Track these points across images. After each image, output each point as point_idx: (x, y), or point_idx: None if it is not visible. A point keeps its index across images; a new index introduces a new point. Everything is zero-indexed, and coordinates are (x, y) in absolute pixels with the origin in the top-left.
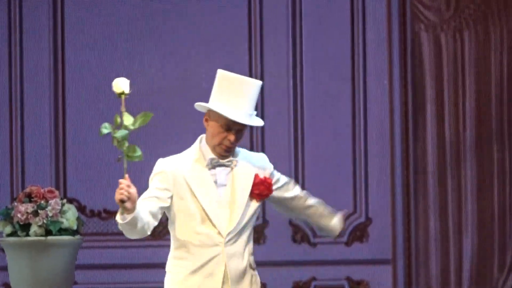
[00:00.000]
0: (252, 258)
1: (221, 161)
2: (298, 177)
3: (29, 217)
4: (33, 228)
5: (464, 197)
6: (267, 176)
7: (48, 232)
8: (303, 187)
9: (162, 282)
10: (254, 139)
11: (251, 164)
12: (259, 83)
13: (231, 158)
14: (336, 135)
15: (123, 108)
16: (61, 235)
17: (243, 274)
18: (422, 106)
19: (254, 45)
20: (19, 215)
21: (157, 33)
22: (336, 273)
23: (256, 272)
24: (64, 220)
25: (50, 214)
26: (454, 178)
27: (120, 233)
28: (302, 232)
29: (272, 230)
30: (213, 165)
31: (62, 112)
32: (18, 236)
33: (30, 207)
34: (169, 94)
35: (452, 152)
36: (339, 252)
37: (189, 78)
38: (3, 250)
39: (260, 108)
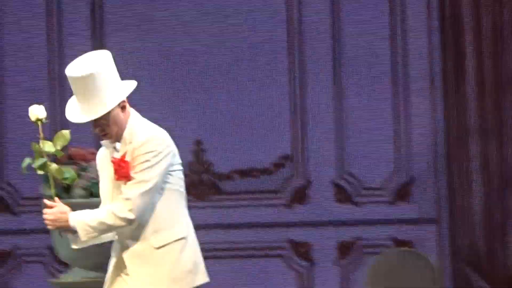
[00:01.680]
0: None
1: (109, 144)
2: (341, 137)
3: None
4: (76, 190)
5: (506, 155)
6: (131, 157)
7: (91, 194)
8: (345, 148)
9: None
10: (293, 97)
11: (126, 144)
12: (83, 73)
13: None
14: (377, 94)
15: (40, 135)
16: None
17: None
18: (462, 68)
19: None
20: None
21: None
22: (381, 232)
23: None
24: None
25: (92, 176)
26: (496, 137)
27: None
28: (345, 191)
29: (314, 190)
30: (110, 148)
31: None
32: (61, 198)
33: (72, 169)
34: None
35: (494, 111)
36: (383, 211)
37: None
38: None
39: (299, 68)
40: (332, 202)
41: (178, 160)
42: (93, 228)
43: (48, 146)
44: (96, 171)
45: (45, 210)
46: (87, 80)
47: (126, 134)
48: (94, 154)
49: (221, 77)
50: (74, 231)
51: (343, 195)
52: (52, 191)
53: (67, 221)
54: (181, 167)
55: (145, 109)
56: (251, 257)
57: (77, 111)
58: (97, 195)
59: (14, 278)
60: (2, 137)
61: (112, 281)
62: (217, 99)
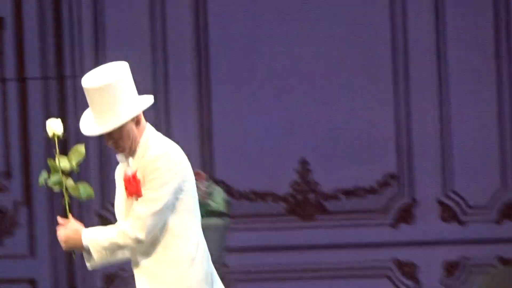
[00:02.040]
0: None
1: (123, 158)
2: (446, 154)
3: None
4: None
5: None
6: (142, 174)
7: None
8: (450, 166)
9: (311, 264)
10: (398, 115)
11: (139, 160)
12: (99, 85)
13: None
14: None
15: (57, 150)
16: (209, 217)
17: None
18: None
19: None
20: None
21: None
22: (487, 252)
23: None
24: (211, 202)
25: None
26: None
27: (270, 215)
28: (451, 210)
29: (420, 209)
30: (124, 162)
31: (207, 93)
32: None
33: None
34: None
35: None
36: (489, 230)
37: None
38: None
39: (404, 64)
40: (437, 221)
41: (190, 176)
42: (105, 248)
43: (63, 162)
44: (200, 192)
45: (58, 228)
46: (101, 91)
47: (139, 149)
48: (199, 174)
49: (325, 97)
50: (87, 251)
51: (448, 213)
52: (67, 208)
53: (79, 240)
54: (194, 185)
55: (251, 129)
56: (356, 277)
57: (90, 123)
58: (203, 215)
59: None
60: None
61: None
62: (322, 119)
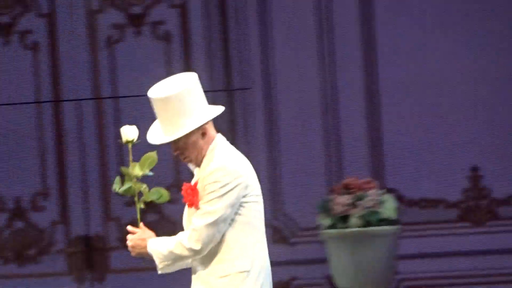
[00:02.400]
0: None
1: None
2: None
3: (348, 208)
4: (352, 219)
5: None
6: (202, 185)
7: (367, 223)
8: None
9: (483, 270)
10: None
11: (201, 171)
12: (162, 95)
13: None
14: None
15: (130, 157)
16: (380, 225)
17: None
18: None
19: None
20: (337, 207)
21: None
22: None
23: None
24: (383, 210)
25: (369, 205)
26: None
27: (441, 222)
28: None
29: None
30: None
31: (377, 101)
32: (337, 228)
33: (348, 199)
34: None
35: None
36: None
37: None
38: (323, 243)
39: None
40: None
41: (253, 191)
42: (165, 257)
43: (136, 169)
44: (372, 200)
45: (128, 236)
46: (166, 102)
47: (205, 160)
48: (370, 183)
49: (495, 104)
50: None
51: None
52: (138, 216)
53: (145, 247)
54: (256, 199)
55: (421, 137)
56: None
57: (157, 132)
58: (375, 223)
59: None
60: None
61: None
62: (493, 126)
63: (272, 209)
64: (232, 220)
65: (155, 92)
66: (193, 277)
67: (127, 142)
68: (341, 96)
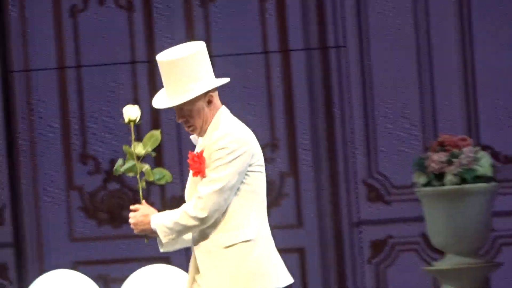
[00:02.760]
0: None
1: (194, 139)
2: None
3: (443, 166)
4: (448, 177)
5: None
6: (208, 153)
7: (463, 180)
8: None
9: None
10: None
11: (206, 139)
12: (172, 58)
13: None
14: None
15: (132, 136)
16: (476, 182)
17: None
18: None
19: None
20: (433, 164)
21: None
22: None
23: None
24: (478, 168)
25: (464, 162)
26: None
27: None
28: None
29: None
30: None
31: (470, 56)
32: (433, 185)
33: (443, 156)
34: None
35: None
36: None
37: None
38: (419, 200)
39: None
40: None
41: (258, 161)
42: (170, 229)
43: (138, 148)
44: (467, 157)
45: (130, 214)
46: (173, 65)
47: (209, 129)
48: (465, 140)
49: None
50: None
51: None
52: (140, 194)
53: (149, 223)
54: (261, 169)
55: None
56: None
57: (163, 98)
58: (470, 181)
59: (389, 266)
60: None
61: (190, 279)
62: None
63: (367, 168)
64: (237, 189)
65: (163, 56)
66: (195, 249)
67: (130, 121)
68: (436, 54)
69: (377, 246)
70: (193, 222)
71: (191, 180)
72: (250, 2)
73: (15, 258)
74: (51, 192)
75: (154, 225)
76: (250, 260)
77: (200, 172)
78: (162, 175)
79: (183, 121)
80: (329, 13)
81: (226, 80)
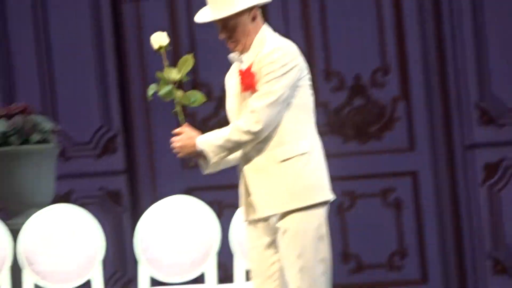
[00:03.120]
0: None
1: (236, 57)
2: None
3: None
4: None
5: None
6: (257, 68)
7: None
8: None
9: None
10: None
11: (253, 55)
12: None
13: (240, 53)
14: None
15: (165, 62)
16: None
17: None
18: None
19: None
20: None
21: None
22: None
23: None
24: None
25: None
26: None
27: None
28: None
29: None
30: (237, 61)
31: None
32: None
33: None
34: None
35: None
36: None
37: None
38: None
39: None
40: None
41: (307, 74)
42: (221, 147)
43: (173, 73)
44: None
45: (173, 138)
46: None
47: (254, 44)
48: None
49: None
50: (203, 156)
51: None
52: (180, 118)
53: (194, 145)
54: (309, 82)
55: None
56: None
57: (203, 12)
58: None
59: (502, 189)
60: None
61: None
62: None
63: (479, 91)
64: (289, 102)
65: None
66: (246, 168)
67: (160, 48)
68: None
69: (490, 168)
70: (246, 137)
71: (239, 97)
72: None
73: (128, 184)
74: (162, 119)
75: (201, 145)
76: (307, 172)
77: (251, 86)
78: (195, 97)
79: (226, 36)
80: None
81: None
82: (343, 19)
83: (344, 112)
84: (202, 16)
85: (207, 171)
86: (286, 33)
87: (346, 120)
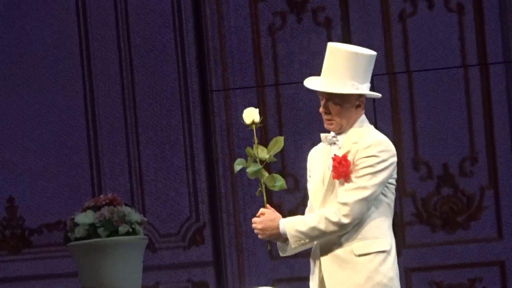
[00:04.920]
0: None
1: (329, 137)
2: None
3: None
4: None
5: None
6: (354, 158)
7: None
8: None
9: None
10: None
11: (351, 143)
12: (351, 50)
13: (335, 136)
14: None
15: (255, 139)
16: None
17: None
18: None
19: None
20: None
21: None
22: None
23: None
24: None
25: None
26: None
27: None
28: None
29: None
30: (328, 142)
31: None
32: None
33: None
34: None
35: None
36: None
37: None
38: None
39: None
40: None
41: (396, 174)
42: (304, 234)
43: (262, 152)
44: None
45: (254, 219)
46: (349, 56)
47: (352, 132)
48: None
49: None
50: (284, 239)
51: None
52: (264, 199)
53: (277, 228)
54: (395, 183)
55: None
56: None
57: (315, 81)
58: None
59: None
60: None
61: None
62: None
63: None
64: (378, 199)
65: (339, 44)
66: (322, 257)
67: (252, 123)
68: None
69: None
70: (333, 228)
71: (327, 181)
72: (448, 15)
73: (215, 276)
74: (250, 209)
75: (285, 230)
76: (381, 271)
77: (345, 176)
78: (280, 181)
79: (325, 112)
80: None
81: (379, 95)
82: (432, 107)
83: (432, 201)
84: (312, 83)
85: (285, 254)
86: (374, 121)
87: (434, 210)
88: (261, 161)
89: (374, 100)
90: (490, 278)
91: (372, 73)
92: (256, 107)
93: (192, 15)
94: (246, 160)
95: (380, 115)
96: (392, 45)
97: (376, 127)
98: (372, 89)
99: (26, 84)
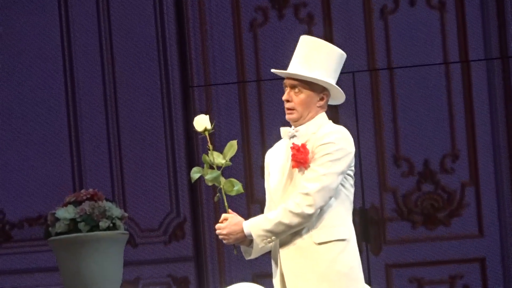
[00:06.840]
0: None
1: (289, 131)
2: None
3: None
4: None
5: None
6: (312, 146)
7: None
8: None
9: None
10: None
11: (310, 133)
12: (325, 43)
13: (294, 128)
14: None
15: (210, 146)
16: None
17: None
18: None
19: None
20: None
21: None
22: None
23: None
24: None
25: None
26: None
27: None
28: None
29: None
30: (288, 136)
31: None
32: None
33: None
34: None
35: None
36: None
37: None
38: None
39: None
40: None
41: (353, 165)
42: (270, 231)
43: (218, 158)
44: None
45: (217, 225)
46: (323, 48)
47: (311, 124)
48: None
49: None
50: (249, 242)
51: None
52: (225, 204)
53: (242, 231)
54: (353, 176)
55: None
56: None
57: (283, 69)
58: None
59: None
60: None
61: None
62: None
63: None
64: (338, 188)
65: (315, 37)
66: (283, 250)
67: (205, 130)
68: None
69: None
70: (298, 220)
71: (286, 172)
72: (429, 12)
73: (196, 271)
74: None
75: (250, 231)
76: (342, 259)
77: (304, 162)
78: (237, 186)
79: (287, 100)
80: (509, 23)
81: (343, 97)
82: (413, 104)
83: (413, 197)
84: (280, 70)
85: (251, 257)
86: (355, 117)
87: (415, 206)
88: (218, 167)
89: (355, 95)
90: (471, 275)
91: (354, 69)
92: (238, 103)
93: (173, 10)
94: (203, 168)
95: (362, 111)
96: (373, 41)
97: (357, 123)
98: (352, 87)
99: (7, 78)
